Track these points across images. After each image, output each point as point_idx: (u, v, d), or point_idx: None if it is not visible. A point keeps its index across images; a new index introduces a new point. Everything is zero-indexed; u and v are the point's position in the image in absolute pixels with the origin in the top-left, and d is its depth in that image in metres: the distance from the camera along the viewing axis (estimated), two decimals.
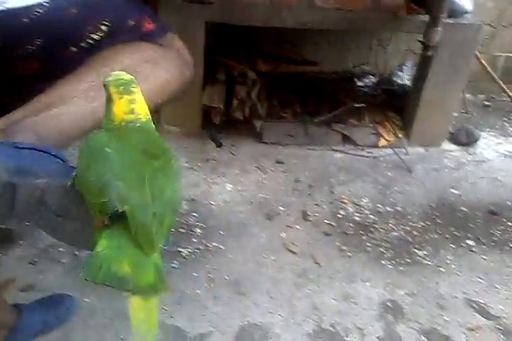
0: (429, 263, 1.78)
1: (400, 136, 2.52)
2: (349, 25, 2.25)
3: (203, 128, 2.46)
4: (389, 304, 1.60)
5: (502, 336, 1.52)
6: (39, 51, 0.85)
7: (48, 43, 0.85)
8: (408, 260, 1.79)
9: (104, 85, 0.69)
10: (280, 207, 2.01)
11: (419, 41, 2.24)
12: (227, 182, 2.15)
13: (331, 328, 1.51)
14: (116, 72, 0.70)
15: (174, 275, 1.65)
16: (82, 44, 0.88)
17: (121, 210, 0.60)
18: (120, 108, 0.67)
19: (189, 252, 1.76)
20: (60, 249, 1.72)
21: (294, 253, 1.79)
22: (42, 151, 0.69)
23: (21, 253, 1.70)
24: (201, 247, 1.78)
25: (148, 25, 0.97)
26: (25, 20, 0.81)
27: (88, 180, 0.62)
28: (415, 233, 1.93)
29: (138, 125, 0.68)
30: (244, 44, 2.66)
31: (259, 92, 2.51)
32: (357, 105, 2.57)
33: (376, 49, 2.96)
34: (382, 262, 1.77)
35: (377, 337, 1.48)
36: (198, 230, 1.86)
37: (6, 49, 0.83)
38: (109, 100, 0.68)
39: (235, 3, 2.16)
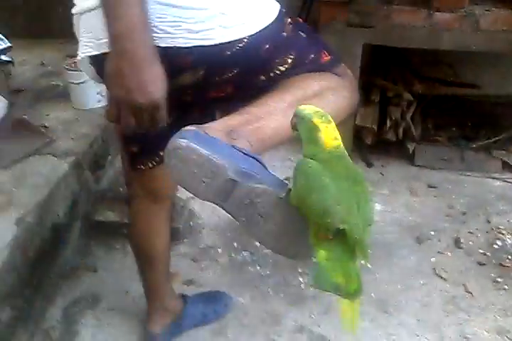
0: None
1: None
2: None
3: (354, 148, 2.54)
4: None
5: None
6: (235, 78, 1.02)
7: (243, 72, 1.01)
8: None
9: (304, 117, 0.79)
10: (431, 232, 2.02)
11: None
12: (376, 202, 2.20)
13: None
14: (308, 106, 0.81)
15: None
16: (271, 74, 1.03)
17: (342, 228, 0.74)
18: (328, 135, 0.78)
19: None
20: (219, 250, 1.92)
21: (444, 279, 1.79)
22: (255, 159, 0.83)
23: (185, 251, 1.93)
24: None
25: (325, 57, 1.09)
26: (227, 53, 0.97)
27: (311, 202, 0.76)
28: None
29: (340, 151, 0.79)
30: (400, 65, 2.71)
31: (414, 114, 2.54)
32: None
33: None
34: None
35: None
36: None
37: (209, 75, 1.01)
38: (312, 129, 0.78)
39: (394, 26, 2.23)
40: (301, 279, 1.79)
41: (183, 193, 2.20)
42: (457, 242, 1.96)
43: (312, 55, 1.08)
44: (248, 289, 1.75)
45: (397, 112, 2.48)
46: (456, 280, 1.78)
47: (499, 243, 1.96)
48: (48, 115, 2.13)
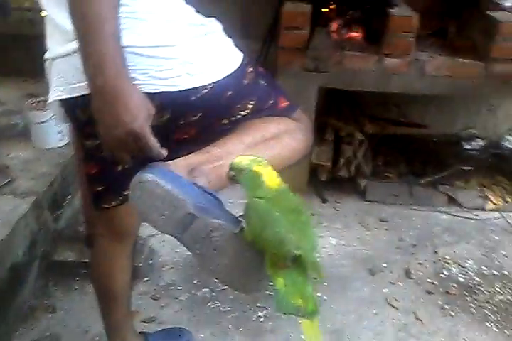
0: None
1: (508, 200, 2.57)
2: (459, 91, 2.40)
3: (309, 185, 2.67)
4: None
5: None
6: (198, 121, 1.11)
7: (206, 116, 1.11)
8: None
9: (244, 169, 0.89)
10: (383, 264, 2.14)
11: None
12: (330, 236, 2.31)
13: None
14: (240, 157, 0.91)
15: (280, 319, 1.82)
16: (232, 118, 1.13)
17: (297, 254, 0.85)
18: (270, 177, 0.89)
19: None
20: (179, 287, 1.98)
21: (395, 308, 1.90)
22: (213, 196, 0.93)
23: (145, 289, 1.97)
24: None
25: (283, 103, 1.21)
26: (192, 98, 1.07)
27: (266, 236, 0.86)
28: None
29: (282, 186, 0.90)
30: (352, 106, 2.90)
31: (365, 152, 2.70)
32: (464, 168, 2.67)
33: (485, 113, 3.06)
34: (487, 324, 1.82)
35: None
36: None
37: (174, 119, 1.10)
38: (255, 177, 0.88)
39: (346, 70, 2.41)
40: (260, 313, 1.85)
41: (142, 231, 2.27)
42: (407, 273, 2.08)
43: (271, 101, 1.19)
44: (208, 325, 1.80)
45: (349, 151, 2.64)
46: (407, 309, 1.89)
47: (446, 272, 2.09)
48: (8, 155, 2.18)
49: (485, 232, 2.38)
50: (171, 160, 0.98)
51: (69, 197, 2.31)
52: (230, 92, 1.11)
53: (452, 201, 2.59)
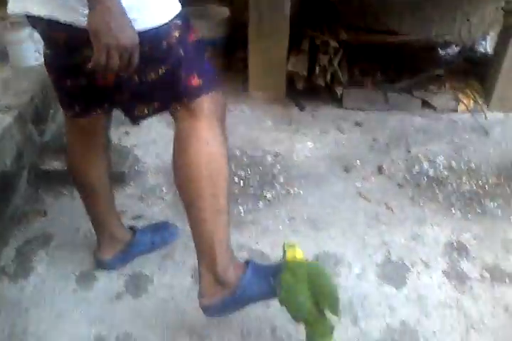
0: (499, 214, 1.87)
1: (479, 102, 2.57)
2: None
3: (287, 94, 2.65)
4: (455, 244, 1.73)
5: None
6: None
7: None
8: (478, 210, 1.89)
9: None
10: (357, 162, 2.17)
11: (502, 9, 2.28)
12: (308, 141, 2.33)
13: (398, 260, 1.67)
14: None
15: (259, 213, 1.88)
16: (143, 77, 1.15)
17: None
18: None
19: (272, 196, 1.98)
20: (164, 189, 2.01)
21: (368, 200, 1.95)
22: None
23: (131, 192, 2.00)
24: (283, 192, 2.00)
25: (194, 81, 1.18)
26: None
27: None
28: (487, 188, 2.01)
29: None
30: (328, 15, 2.81)
31: (341, 61, 2.66)
32: (438, 72, 2.65)
33: (460, 20, 2.98)
34: (453, 211, 1.89)
35: (442, 270, 1.62)
36: (281, 178, 2.07)
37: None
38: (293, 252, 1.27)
39: None
40: (240, 208, 1.90)
41: (126, 141, 2.28)
42: (380, 169, 2.12)
43: (183, 74, 1.17)
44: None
45: (325, 59, 2.59)
46: (378, 200, 1.95)
47: (417, 168, 2.14)
48: None
49: (456, 131, 2.40)
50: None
51: (51, 112, 2.29)
52: (146, 48, 1.08)
53: (426, 105, 2.59)
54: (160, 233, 1.74)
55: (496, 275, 1.60)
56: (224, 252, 1.25)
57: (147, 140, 2.29)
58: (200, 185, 1.20)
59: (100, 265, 1.65)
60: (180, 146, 1.23)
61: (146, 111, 1.25)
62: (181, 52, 1.16)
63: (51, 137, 2.23)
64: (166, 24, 1.12)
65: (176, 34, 1.14)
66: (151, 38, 1.09)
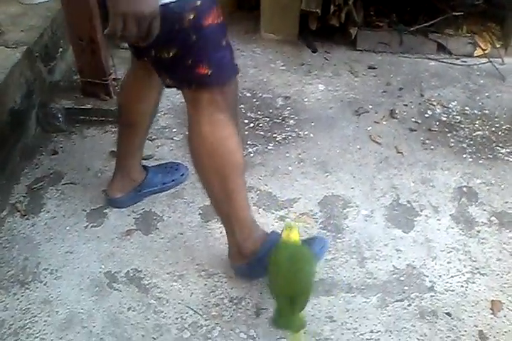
0: (511, 160, 1.78)
1: (497, 46, 2.40)
2: None
3: (300, 36, 2.50)
4: (465, 189, 1.65)
5: None
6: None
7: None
8: (490, 156, 1.80)
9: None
10: (369, 106, 2.06)
11: None
12: (319, 83, 2.21)
13: (407, 204, 1.60)
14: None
15: (269, 154, 1.81)
16: (157, 54, 1.06)
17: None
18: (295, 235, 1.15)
19: (283, 138, 1.89)
20: (174, 130, 1.93)
21: (378, 143, 1.86)
22: None
23: None
24: (293, 134, 1.91)
25: (202, 70, 1.06)
26: None
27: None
28: (500, 133, 1.91)
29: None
30: None
31: (356, 1, 2.47)
32: (455, 14, 2.46)
33: None
34: (464, 156, 1.80)
35: (450, 215, 1.56)
36: (291, 121, 1.98)
37: None
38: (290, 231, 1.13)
39: None
40: (250, 150, 1.83)
41: None
42: (392, 113, 2.02)
43: (190, 60, 1.05)
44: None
45: None
46: (389, 144, 1.86)
47: (430, 112, 2.03)
48: None
49: (471, 77, 2.27)
50: None
51: (60, 50, 2.17)
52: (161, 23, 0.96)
53: (442, 48, 2.43)
54: (171, 173, 1.68)
55: (504, 220, 1.54)
56: (241, 227, 1.29)
57: None
58: (206, 174, 1.22)
59: (111, 203, 1.60)
60: (187, 135, 1.23)
61: (167, 82, 1.15)
62: (193, 37, 1.03)
63: (60, 76, 2.13)
64: (181, 2, 0.98)
65: (191, 16, 1.00)
66: (164, 15, 0.95)
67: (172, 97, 2.07)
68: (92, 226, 1.55)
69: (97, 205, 1.62)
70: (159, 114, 2.01)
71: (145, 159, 1.78)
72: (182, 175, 1.70)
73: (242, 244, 1.30)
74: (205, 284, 1.38)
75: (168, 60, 1.06)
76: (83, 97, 1.99)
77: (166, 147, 1.86)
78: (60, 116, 1.94)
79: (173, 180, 1.68)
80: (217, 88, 1.11)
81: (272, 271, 1.16)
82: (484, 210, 1.58)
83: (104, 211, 1.60)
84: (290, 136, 1.90)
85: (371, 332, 1.26)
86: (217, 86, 1.11)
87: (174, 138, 1.90)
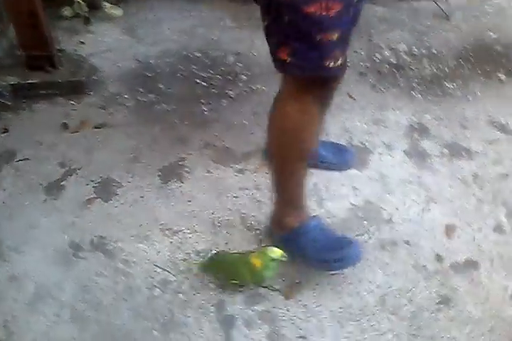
0: (459, 94, 1.78)
1: None
2: None
3: None
4: (416, 126, 1.65)
5: None
6: None
7: None
8: (439, 92, 1.80)
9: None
10: None
11: None
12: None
13: (360, 144, 1.59)
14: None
15: (223, 111, 1.76)
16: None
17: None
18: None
19: (236, 94, 1.84)
20: (125, 96, 1.86)
21: None
22: None
23: (91, 101, 1.84)
24: (246, 90, 1.86)
25: (283, 55, 0.96)
26: None
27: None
28: (447, 70, 1.90)
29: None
30: None
31: None
32: None
33: None
34: (413, 94, 1.79)
35: (403, 150, 1.56)
36: (244, 77, 1.92)
37: None
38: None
39: None
40: (204, 107, 1.78)
41: (82, 50, 2.06)
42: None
43: (274, 39, 0.98)
44: (157, 123, 1.73)
45: None
46: (340, 91, 1.78)
47: (379, 56, 2.00)
48: None
49: (418, 19, 2.23)
50: None
51: (1, 26, 2.05)
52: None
53: None
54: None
55: (454, 151, 1.54)
56: (287, 203, 1.26)
57: (103, 48, 2.08)
58: (272, 152, 1.22)
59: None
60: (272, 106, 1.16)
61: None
62: (285, 18, 0.91)
63: (3, 52, 2.02)
64: None
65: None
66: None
67: (119, 62, 1.99)
68: (51, 199, 1.49)
69: (54, 178, 1.56)
70: (109, 81, 1.94)
71: (98, 127, 1.73)
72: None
73: (283, 218, 1.27)
74: (171, 242, 1.36)
75: (263, 28, 0.99)
76: (28, 72, 1.90)
77: (118, 114, 1.78)
78: (6, 93, 1.84)
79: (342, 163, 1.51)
80: (301, 78, 1.01)
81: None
82: (436, 143, 1.58)
83: (62, 183, 1.54)
84: (243, 91, 1.86)
85: None
86: (298, 75, 1.00)
87: (126, 104, 1.82)
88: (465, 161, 1.53)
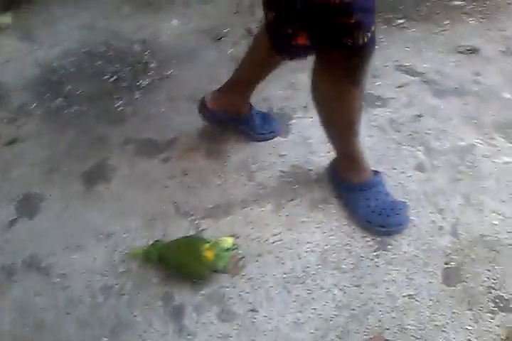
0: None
1: None
2: None
3: None
4: None
5: (426, 86, 1.59)
6: None
7: None
8: None
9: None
10: (226, 29, 1.94)
11: None
12: (172, 19, 2.05)
13: (279, 111, 1.55)
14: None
15: (137, 103, 1.68)
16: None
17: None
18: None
19: (148, 83, 1.76)
20: (33, 105, 1.74)
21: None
22: None
23: None
24: (158, 77, 1.78)
25: (300, 40, 1.07)
26: None
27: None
28: None
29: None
30: None
31: None
32: None
33: None
34: None
35: None
36: (153, 64, 1.84)
37: None
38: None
39: None
40: (117, 102, 1.69)
41: None
42: (249, 31, 1.91)
43: (293, 24, 1.06)
44: (71, 127, 1.63)
45: None
46: None
47: None
48: None
49: None
50: None
51: None
52: None
53: None
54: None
55: (367, 101, 1.51)
56: (343, 156, 1.26)
57: (1, 60, 1.95)
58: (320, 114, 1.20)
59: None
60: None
61: None
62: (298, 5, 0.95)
63: None
64: None
65: None
66: None
67: (21, 71, 1.87)
68: None
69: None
70: (13, 93, 1.81)
71: (9, 144, 1.61)
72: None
73: (343, 172, 1.27)
74: (106, 246, 1.29)
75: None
76: None
77: (29, 125, 1.67)
78: None
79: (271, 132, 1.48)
80: (324, 56, 1.03)
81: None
82: None
83: None
84: (155, 79, 1.77)
85: (274, 235, 1.25)
86: (321, 54, 1.03)
87: (36, 112, 1.71)
88: (380, 109, 1.52)
